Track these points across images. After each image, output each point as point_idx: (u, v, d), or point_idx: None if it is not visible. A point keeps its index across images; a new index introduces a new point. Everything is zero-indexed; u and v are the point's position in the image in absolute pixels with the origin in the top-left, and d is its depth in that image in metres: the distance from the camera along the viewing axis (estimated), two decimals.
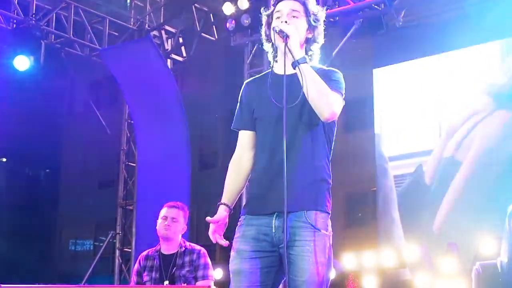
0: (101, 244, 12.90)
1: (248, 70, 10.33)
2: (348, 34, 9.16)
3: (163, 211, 6.24)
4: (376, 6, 9.15)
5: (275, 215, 3.72)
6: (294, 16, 3.79)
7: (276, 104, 3.63)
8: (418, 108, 10.24)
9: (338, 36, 9.26)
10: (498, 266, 7.65)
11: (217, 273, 9.73)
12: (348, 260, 9.24)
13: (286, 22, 3.74)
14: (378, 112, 10.42)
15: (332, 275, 9.00)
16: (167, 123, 10.61)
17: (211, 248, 6.40)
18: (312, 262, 3.68)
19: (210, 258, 6.15)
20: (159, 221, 6.22)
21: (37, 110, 18.33)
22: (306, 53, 3.82)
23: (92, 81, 20.62)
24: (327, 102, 3.64)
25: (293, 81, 3.67)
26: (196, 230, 15.27)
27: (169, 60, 11.54)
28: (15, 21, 10.27)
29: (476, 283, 7.77)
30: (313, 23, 3.83)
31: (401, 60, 10.01)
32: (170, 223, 6.15)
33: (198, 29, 11.00)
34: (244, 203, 3.88)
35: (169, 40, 11.60)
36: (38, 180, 22.45)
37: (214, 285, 5.74)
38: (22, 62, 10.12)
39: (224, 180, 3.92)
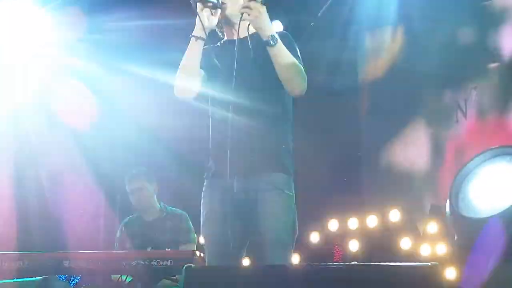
0: None
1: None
2: None
3: (127, 187, 6.17)
4: None
5: (235, 178, 3.68)
6: None
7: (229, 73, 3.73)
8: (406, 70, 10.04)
9: None
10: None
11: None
12: (333, 225, 9.22)
13: None
14: (365, 75, 10.21)
15: (316, 239, 8.90)
16: None
17: (192, 214, 6.32)
18: (276, 223, 3.65)
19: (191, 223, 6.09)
20: (130, 197, 6.14)
21: None
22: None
23: None
24: (300, 82, 3.67)
25: (243, 47, 3.74)
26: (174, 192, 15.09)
27: None
28: None
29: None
30: None
31: (390, 23, 9.79)
32: (139, 195, 6.07)
33: None
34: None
35: None
36: None
37: (197, 248, 5.71)
38: None
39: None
